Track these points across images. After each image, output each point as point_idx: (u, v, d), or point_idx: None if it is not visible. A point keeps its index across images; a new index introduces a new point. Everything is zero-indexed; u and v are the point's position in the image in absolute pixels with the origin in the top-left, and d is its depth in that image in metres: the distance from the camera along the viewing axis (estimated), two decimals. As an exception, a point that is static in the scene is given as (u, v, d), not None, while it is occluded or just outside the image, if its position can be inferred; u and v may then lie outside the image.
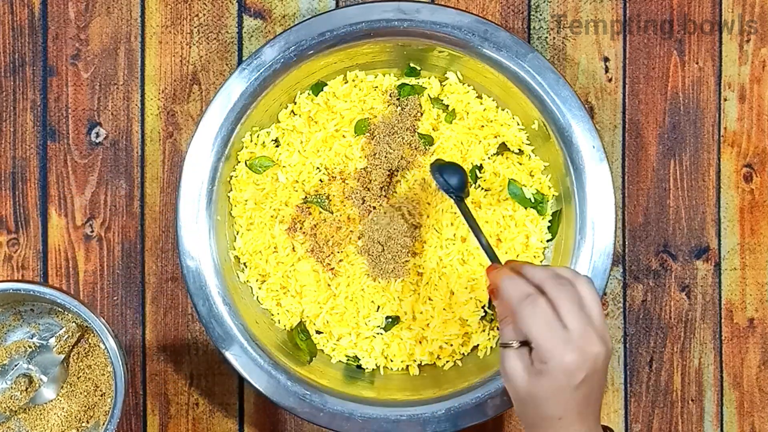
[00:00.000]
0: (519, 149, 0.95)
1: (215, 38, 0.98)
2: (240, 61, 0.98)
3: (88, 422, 0.86)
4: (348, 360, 0.94)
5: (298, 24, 0.90)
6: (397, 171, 0.93)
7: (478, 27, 0.90)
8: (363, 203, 0.92)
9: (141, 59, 0.98)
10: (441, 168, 0.86)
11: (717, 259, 1.00)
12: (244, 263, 0.93)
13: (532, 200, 0.94)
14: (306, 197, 0.93)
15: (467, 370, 0.93)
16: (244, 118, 0.90)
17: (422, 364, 0.94)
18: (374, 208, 0.92)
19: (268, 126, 0.94)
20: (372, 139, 0.93)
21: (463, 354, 0.94)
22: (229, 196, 0.93)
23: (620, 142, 1.00)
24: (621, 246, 0.99)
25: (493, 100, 0.95)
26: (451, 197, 0.86)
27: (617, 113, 1.00)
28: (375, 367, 0.94)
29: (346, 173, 0.93)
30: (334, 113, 0.94)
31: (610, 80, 1.00)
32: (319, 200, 0.92)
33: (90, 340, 0.86)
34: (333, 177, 0.93)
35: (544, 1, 0.99)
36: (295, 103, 0.94)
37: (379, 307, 0.93)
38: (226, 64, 0.98)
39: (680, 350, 1.00)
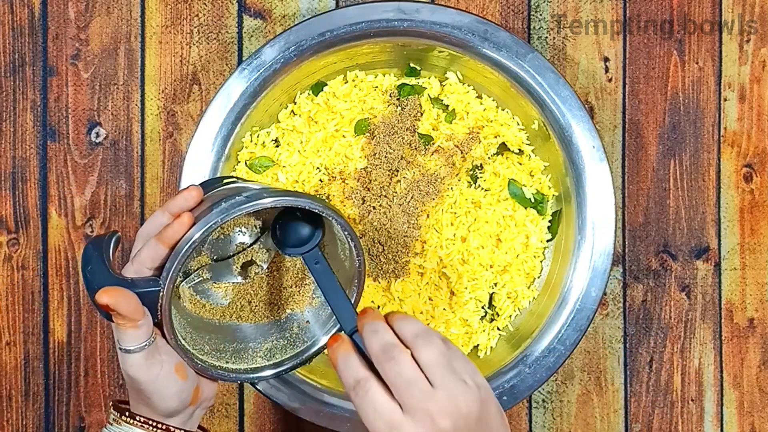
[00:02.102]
0: (519, 149, 0.95)
1: (215, 38, 0.98)
2: (240, 61, 0.98)
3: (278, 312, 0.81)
4: (348, 360, 0.94)
5: (298, 24, 0.90)
6: (397, 171, 0.93)
7: (478, 27, 0.90)
8: (363, 203, 0.92)
9: (141, 59, 0.98)
10: (282, 223, 0.76)
11: (717, 259, 1.00)
12: (244, 263, 0.93)
13: (532, 200, 0.94)
14: (306, 197, 0.93)
15: (467, 370, 0.93)
16: (244, 118, 0.90)
17: (422, 364, 0.94)
18: (374, 208, 0.92)
19: (268, 126, 0.94)
20: (372, 139, 0.93)
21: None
22: (229, 196, 0.93)
23: (620, 142, 1.00)
24: (621, 246, 0.99)
25: (493, 100, 0.95)
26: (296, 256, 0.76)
27: (617, 113, 1.00)
28: (375, 367, 0.94)
29: (346, 173, 0.93)
30: (334, 113, 0.94)
31: (610, 80, 1.00)
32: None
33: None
34: (333, 177, 0.93)
35: (544, 1, 0.99)
36: (295, 103, 0.94)
37: (379, 307, 0.93)
38: (226, 64, 0.98)
39: (680, 350, 1.00)
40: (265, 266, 0.79)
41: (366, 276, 0.75)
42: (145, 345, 0.68)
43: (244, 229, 0.78)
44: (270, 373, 0.78)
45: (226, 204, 0.69)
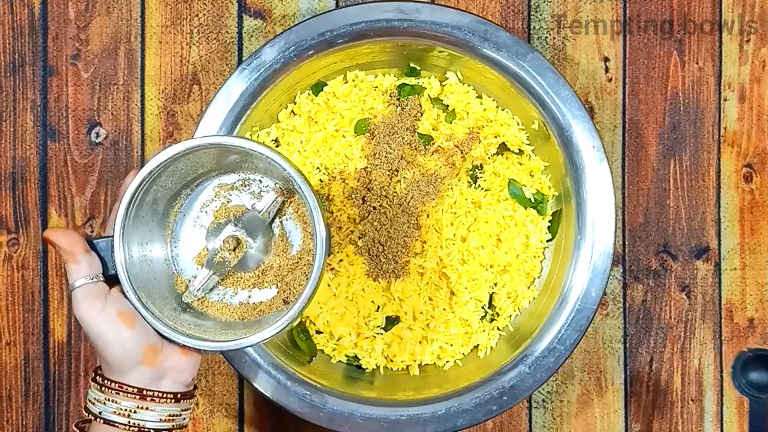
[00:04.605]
0: (519, 149, 0.95)
1: (215, 38, 0.98)
2: (240, 61, 0.98)
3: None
4: (348, 360, 0.94)
5: (298, 24, 0.90)
6: (397, 171, 0.93)
7: (478, 27, 0.90)
8: (363, 203, 0.92)
9: (141, 59, 0.98)
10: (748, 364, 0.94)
11: (717, 259, 1.00)
12: (244, 263, 0.93)
13: (532, 200, 0.94)
14: (306, 197, 0.93)
15: (467, 370, 0.93)
16: (244, 118, 0.90)
17: (422, 364, 0.94)
18: (374, 208, 0.92)
19: (268, 126, 0.94)
20: (372, 139, 0.93)
21: (464, 354, 0.94)
22: (229, 196, 0.93)
23: (620, 142, 1.00)
24: (621, 246, 0.99)
25: (493, 100, 0.95)
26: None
27: (617, 113, 1.00)
28: (375, 367, 0.94)
29: (346, 173, 0.93)
30: (334, 113, 0.94)
31: (610, 80, 1.00)
32: (319, 200, 0.92)
33: (299, 210, 0.81)
34: (333, 177, 0.93)
35: (544, 1, 0.99)
36: (295, 103, 0.94)
37: (379, 307, 0.93)
38: (226, 64, 0.98)
39: (680, 350, 1.00)
40: (254, 244, 0.79)
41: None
42: (85, 282, 0.70)
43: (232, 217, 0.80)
44: (259, 337, 0.75)
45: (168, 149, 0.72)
